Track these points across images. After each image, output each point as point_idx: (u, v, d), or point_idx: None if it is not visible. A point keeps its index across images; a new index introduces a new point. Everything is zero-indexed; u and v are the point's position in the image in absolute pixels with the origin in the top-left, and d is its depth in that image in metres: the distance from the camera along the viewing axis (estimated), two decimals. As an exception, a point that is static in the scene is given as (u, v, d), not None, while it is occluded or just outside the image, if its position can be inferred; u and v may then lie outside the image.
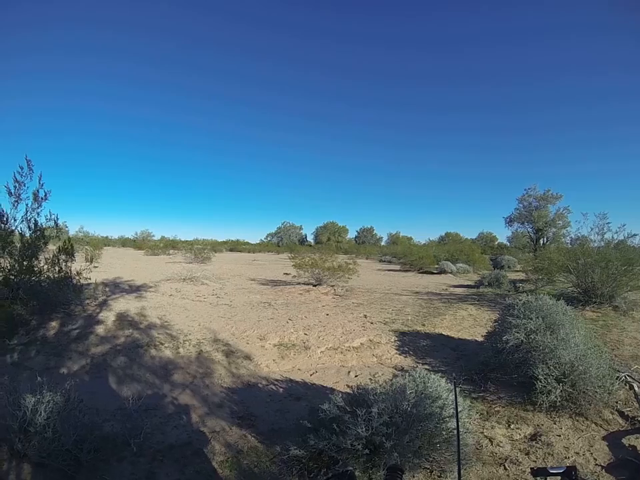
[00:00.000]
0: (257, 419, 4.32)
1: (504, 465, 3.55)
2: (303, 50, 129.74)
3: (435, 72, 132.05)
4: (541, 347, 4.95)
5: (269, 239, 74.52)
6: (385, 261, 37.87)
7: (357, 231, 76.48)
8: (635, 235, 12.29)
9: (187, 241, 51.72)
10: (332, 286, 14.29)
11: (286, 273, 18.32)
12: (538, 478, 1.88)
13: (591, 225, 13.24)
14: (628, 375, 5.42)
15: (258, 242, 73.38)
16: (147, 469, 3.29)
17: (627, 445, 4.05)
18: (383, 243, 71.26)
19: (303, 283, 14.56)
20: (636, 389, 5.04)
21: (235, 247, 59.90)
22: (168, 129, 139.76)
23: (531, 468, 1.95)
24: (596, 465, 3.67)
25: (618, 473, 3.55)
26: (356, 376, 5.75)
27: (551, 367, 4.62)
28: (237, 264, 27.18)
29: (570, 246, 15.98)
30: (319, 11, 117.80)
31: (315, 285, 14.22)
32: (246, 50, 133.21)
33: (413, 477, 3.24)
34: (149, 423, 3.94)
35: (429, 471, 3.32)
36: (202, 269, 18.43)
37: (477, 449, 3.77)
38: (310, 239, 77.18)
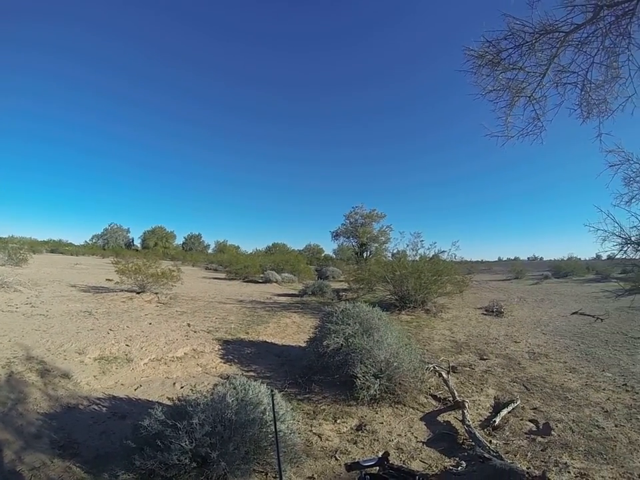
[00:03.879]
0: (80, 445, 3.98)
1: (335, 457, 3.98)
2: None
3: (272, 79, 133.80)
4: (358, 349, 5.64)
5: (94, 240, 69.10)
6: (211, 269, 37.71)
7: (184, 237, 75.14)
8: (443, 251, 14.74)
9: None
10: (156, 293, 13.94)
11: (108, 279, 17.20)
12: (353, 472, 1.93)
13: (407, 242, 15.27)
14: (436, 365, 6.56)
15: (82, 244, 67.39)
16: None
17: (441, 421, 4.92)
18: (210, 251, 70.87)
19: (126, 290, 13.88)
20: (444, 375, 6.11)
21: (56, 247, 53.49)
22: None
23: (345, 464, 2.11)
24: (417, 442, 4.36)
25: (437, 445, 4.30)
26: (181, 387, 5.79)
27: (369, 366, 5.32)
28: (57, 267, 24.42)
29: (390, 259, 17.74)
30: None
31: (138, 292, 13.70)
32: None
33: (248, 482, 3.34)
34: (-48, 471, 3.41)
35: (263, 473, 3.53)
36: (16, 272, 16.34)
37: (307, 446, 4.15)
38: (137, 242, 73.59)
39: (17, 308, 9.80)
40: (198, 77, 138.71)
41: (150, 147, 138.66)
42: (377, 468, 1.81)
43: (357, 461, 1.79)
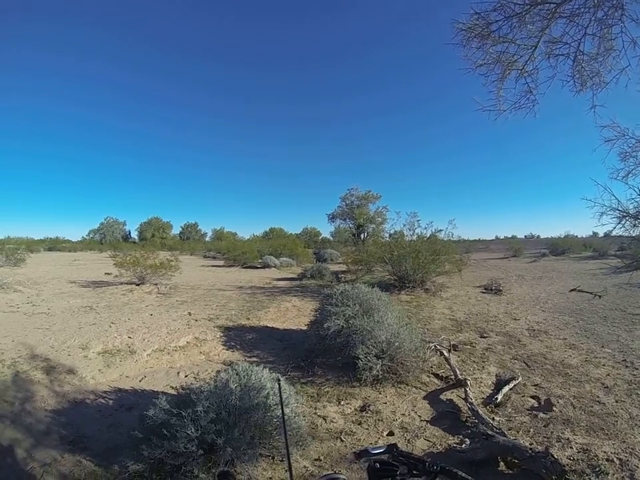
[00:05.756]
0: (89, 439, 4.00)
1: (340, 438, 4.01)
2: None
3: (259, 55, 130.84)
4: (359, 330, 5.65)
5: (91, 235, 70.05)
6: (209, 257, 37.84)
7: (181, 227, 76.27)
8: (440, 230, 14.60)
9: (-4, 239, 44.21)
10: (155, 284, 13.99)
11: (107, 273, 17.22)
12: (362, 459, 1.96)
13: (403, 222, 15.17)
14: (438, 344, 6.54)
15: (80, 239, 67.92)
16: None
17: (444, 399, 4.94)
18: (207, 239, 71.47)
19: (125, 283, 13.93)
20: (445, 354, 6.12)
21: (54, 245, 53.64)
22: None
23: (353, 452, 2.07)
24: (421, 420, 4.39)
25: (441, 424, 4.32)
26: (186, 376, 5.81)
27: (370, 346, 5.32)
28: (55, 265, 24.52)
29: (388, 240, 17.71)
30: None
31: (137, 284, 13.74)
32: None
33: (255, 467, 3.36)
34: (-34, 473, 3.42)
35: (270, 457, 3.55)
36: (14, 272, 16.40)
37: (313, 428, 4.18)
38: (134, 235, 74.13)
39: (18, 308, 9.84)
40: (184, 58, 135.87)
41: (140, 136, 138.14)
42: (387, 455, 1.72)
43: (365, 448, 1.72)
